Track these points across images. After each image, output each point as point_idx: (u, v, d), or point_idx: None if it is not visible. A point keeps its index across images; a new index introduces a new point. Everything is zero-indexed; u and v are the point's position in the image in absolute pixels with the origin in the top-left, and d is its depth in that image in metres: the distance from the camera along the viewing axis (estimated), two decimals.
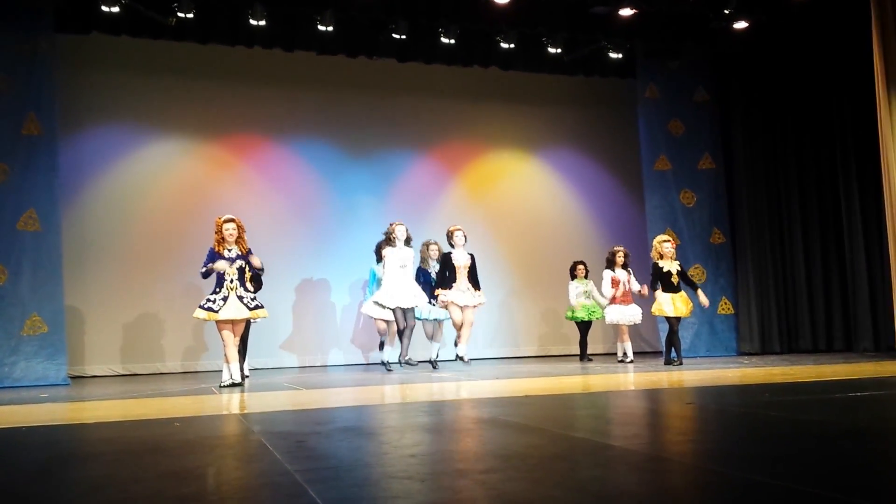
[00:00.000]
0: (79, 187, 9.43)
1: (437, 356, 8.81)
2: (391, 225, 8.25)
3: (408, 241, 8.25)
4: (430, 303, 8.51)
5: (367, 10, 9.00)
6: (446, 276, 8.29)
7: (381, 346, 8.89)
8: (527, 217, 11.44)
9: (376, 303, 8.36)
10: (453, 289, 8.24)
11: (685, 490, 2.38)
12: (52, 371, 7.95)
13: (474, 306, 8.35)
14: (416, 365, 8.24)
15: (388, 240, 8.21)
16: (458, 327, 8.32)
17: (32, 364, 7.90)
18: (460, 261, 8.33)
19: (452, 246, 8.44)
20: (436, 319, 8.94)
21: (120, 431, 4.04)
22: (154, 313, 9.68)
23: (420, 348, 9.39)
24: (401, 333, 8.21)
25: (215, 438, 3.65)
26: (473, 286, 8.35)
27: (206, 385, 7.20)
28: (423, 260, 8.91)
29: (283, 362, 10.09)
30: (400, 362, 8.43)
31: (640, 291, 9.31)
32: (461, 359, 8.31)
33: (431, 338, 9.04)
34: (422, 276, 8.73)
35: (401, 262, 8.13)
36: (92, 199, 9.60)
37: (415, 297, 8.12)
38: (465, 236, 8.46)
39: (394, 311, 8.12)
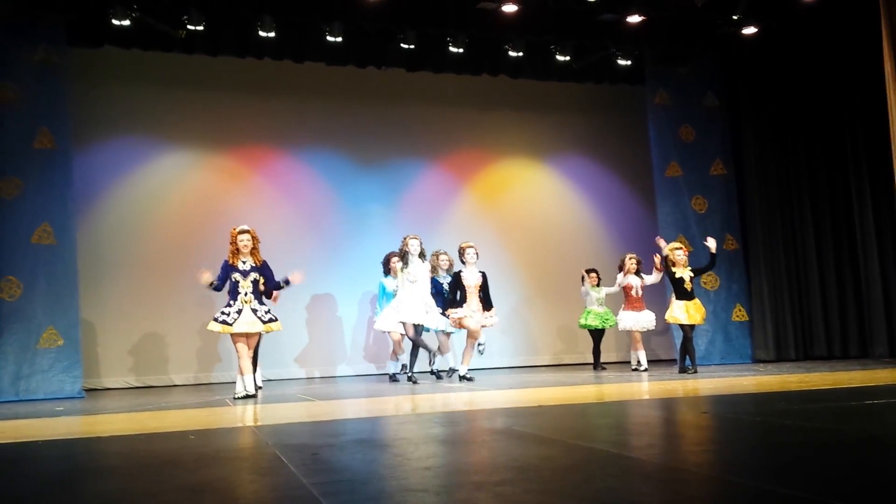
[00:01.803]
0: (92, 200, 9.48)
1: (448, 368, 8.77)
2: (405, 238, 8.10)
3: (422, 255, 8.08)
4: (442, 314, 8.31)
5: (376, 20, 9.04)
6: (457, 296, 8.06)
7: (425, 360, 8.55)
8: (538, 225, 11.41)
9: (388, 320, 8.33)
10: (464, 309, 7.99)
11: (701, 501, 2.37)
12: (67, 384, 7.99)
13: (483, 327, 8.13)
14: (417, 383, 7.90)
15: (402, 254, 8.07)
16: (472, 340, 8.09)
17: (48, 377, 7.94)
18: (471, 280, 8.09)
19: (464, 263, 8.18)
20: (446, 332, 8.72)
21: (135, 445, 4.06)
22: (168, 325, 9.71)
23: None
24: (412, 347, 8.04)
25: (230, 451, 3.66)
26: (484, 306, 8.11)
27: (219, 397, 7.21)
28: (433, 269, 8.70)
29: (295, 373, 10.09)
30: (410, 377, 8.21)
31: (655, 267, 8.96)
32: (468, 378, 8.02)
33: (441, 350, 8.88)
34: (433, 287, 8.54)
35: (412, 277, 7.98)
36: (105, 212, 9.66)
37: (426, 313, 7.98)
38: (477, 253, 8.20)
39: (404, 325, 8.03)
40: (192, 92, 10.14)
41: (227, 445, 3.88)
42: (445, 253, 8.77)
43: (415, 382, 7.94)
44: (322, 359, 10.32)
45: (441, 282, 8.65)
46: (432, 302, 8.16)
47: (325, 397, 7.00)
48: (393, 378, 8.67)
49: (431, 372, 8.75)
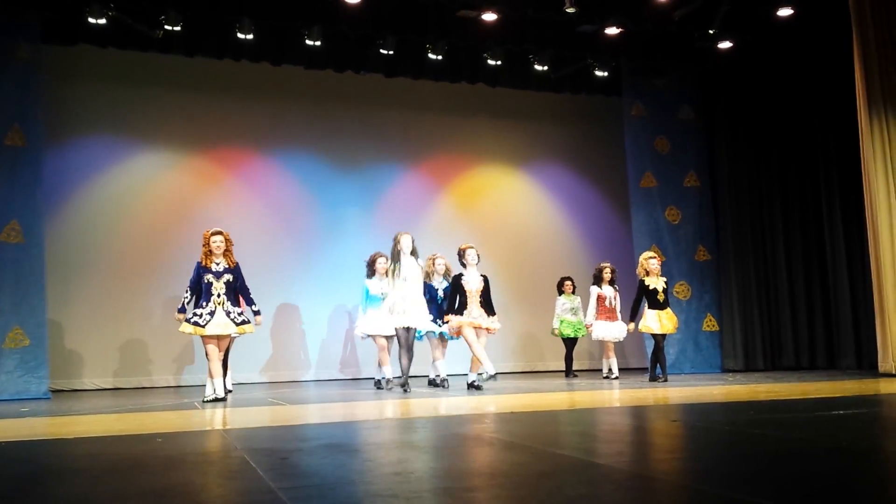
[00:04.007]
0: (63, 199, 9.36)
1: (442, 375, 8.14)
2: (396, 235, 7.59)
3: (413, 253, 7.57)
4: (434, 321, 7.89)
5: (355, 25, 9.04)
6: (457, 301, 7.50)
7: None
8: (513, 232, 11.46)
9: (375, 323, 7.95)
10: (464, 315, 7.45)
11: None
12: (33, 385, 7.85)
13: (487, 331, 7.58)
14: (410, 391, 7.30)
15: (394, 254, 7.57)
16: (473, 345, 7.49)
17: (13, 377, 7.80)
18: (472, 284, 7.53)
19: (464, 265, 7.65)
20: (441, 335, 8.18)
21: (101, 447, 3.99)
22: (138, 327, 9.60)
23: (421, 363, 9.05)
24: (400, 353, 7.56)
25: (198, 455, 3.62)
26: (487, 311, 7.56)
27: (189, 400, 7.14)
28: (428, 275, 8.20)
29: (265, 377, 10.01)
30: (403, 384, 7.49)
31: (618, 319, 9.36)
32: (476, 387, 7.45)
33: (434, 357, 8.34)
34: (427, 292, 7.97)
35: (404, 276, 7.48)
36: (76, 212, 9.53)
37: (417, 315, 7.50)
38: (479, 255, 7.67)
39: (395, 329, 7.55)
40: (168, 92, 10.05)
41: (194, 449, 3.84)
42: (442, 257, 8.34)
43: (406, 391, 7.30)
44: (294, 363, 10.26)
45: (436, 287, 8.18)
46: (424, 304, 7.66)
47: (296, 402, 6.95)
48: (378, 385, 8.21)
49: (430, 381, 8.28)
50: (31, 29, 8.30)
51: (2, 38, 8.16)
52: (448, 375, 8.15)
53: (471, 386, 7.51)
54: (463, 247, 7.77)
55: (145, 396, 7.98)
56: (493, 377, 7.40)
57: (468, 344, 7.51)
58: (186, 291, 6.92)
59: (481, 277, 7.65)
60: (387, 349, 8.27)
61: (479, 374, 7.49)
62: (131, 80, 9.82)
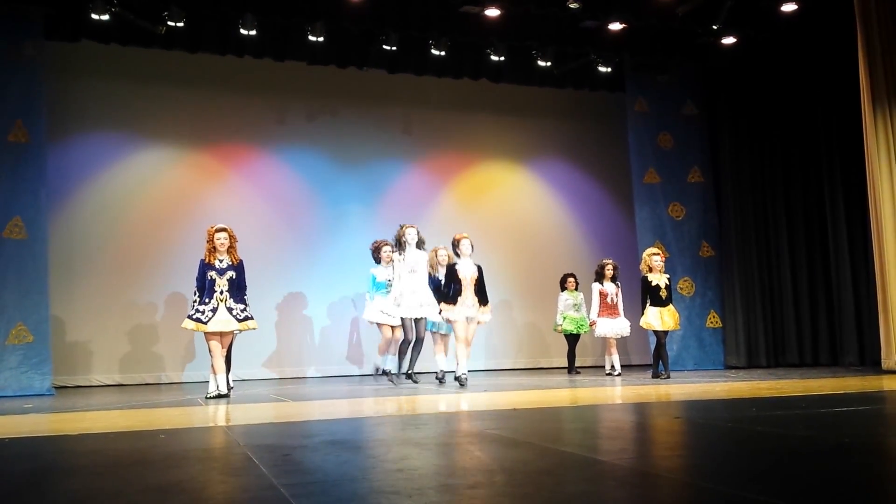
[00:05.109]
0: (66, 195, 9.36)
1: (444, 370, 8.20)
2: (401, 227, 7.76)
3: (419, 245, 7.73)
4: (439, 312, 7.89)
5: (358, 21, 9.03)
6: (451, 289, 7.59)
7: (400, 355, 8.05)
8: (516, 228, 11.45)
9: (382, 311, 7.99)
10: (458, 303, 7.53)
11: None
12: (36, 381, 7.87)
13: (478, 322, 7.65)
14: (418, 383, 7.50)
15: (399, 243, 7.74)
16: (461, 342, 7.59)
17: (17, 374, 7.82)
18: (466, 273, 7.62)
19: (458, 255, 7.76)
20: (443, 332, 8.29)
21: (104, 443, 4.00)
22: (141, 323, 9.61)
23: (424, 360, 9.05)
24: (406, 344, 7.74)
25: (200, 451, 3.62)
26: (480, 301, 7.62)
27: (192, 396, 7.15)
28: (432, 266, 8.23)
29: (269, 373, 10.02)
30: (409, 374, 7.86)
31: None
32: (458, 380, 7.55)
33: (436, 350, 8.43)
34: (431, 283, 8.06)
35: (410, 267, 7.64)
36: (79, 208, 9.54)
37: (424, 306, 7.65)
38: (473, 245, 7.77)
39: (402, 320, 7.70)
40: (171, 88, 10.05)
41: (197, 445, 3.84)
42: (446, 248, 8.33)
43: (416, 382, 7.59)
44: (296, 359, 10.26)
45: (440, 278, 8.17)
46: (429, 296, 7.74)
47: (298, 398, 6.95)
48: (384, 372, 8.23)
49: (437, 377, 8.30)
50: (34, 25, 8.30)
51: (5, 35, 8.16)
52: (448, 371, 8.17)
53: (456, 380, 7.58)
54: (457, 237, 7.83)
55: (148, 393, 8.00)
56: (457, 379, 7.51)
57: (455, 338, 7.63)
58: (195, 294, 6.80)
59: (475, 267, 7.73)
60: (390, 340, 8.37)
61: (451, 372, 7.65)
62: (134, 76, 9.81)
